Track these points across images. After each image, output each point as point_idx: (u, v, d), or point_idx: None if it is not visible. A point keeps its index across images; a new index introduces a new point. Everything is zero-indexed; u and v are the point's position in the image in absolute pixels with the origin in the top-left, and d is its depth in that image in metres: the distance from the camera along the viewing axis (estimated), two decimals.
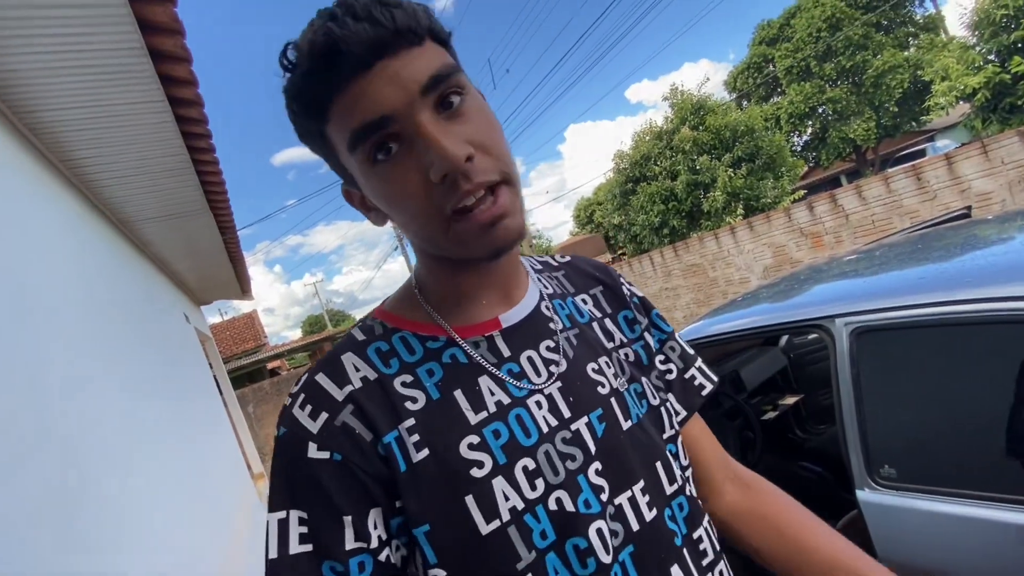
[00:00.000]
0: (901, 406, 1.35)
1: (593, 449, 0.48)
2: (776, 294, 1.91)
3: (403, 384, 0.46)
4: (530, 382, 0.48)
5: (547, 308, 0.54)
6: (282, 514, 0.43)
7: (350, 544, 0.42)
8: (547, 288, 0.57)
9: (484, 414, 0.46)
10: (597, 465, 0.48)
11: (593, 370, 0.52)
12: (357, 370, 0.47)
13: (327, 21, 0.39)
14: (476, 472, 0.43)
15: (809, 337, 3.00)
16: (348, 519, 0.42)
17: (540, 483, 0.45)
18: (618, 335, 0.58)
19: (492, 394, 0.47)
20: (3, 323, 1.24)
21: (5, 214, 1.51)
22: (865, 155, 16.02)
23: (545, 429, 0.47)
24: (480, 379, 0.47)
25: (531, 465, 0.45)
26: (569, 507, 0.45)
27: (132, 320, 2.65)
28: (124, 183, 2.51)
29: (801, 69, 14.74)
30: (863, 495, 1.36)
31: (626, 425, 0.50)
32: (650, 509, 0.49)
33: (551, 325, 0.53)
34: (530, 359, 0.49)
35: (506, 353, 0.49)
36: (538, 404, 0.47)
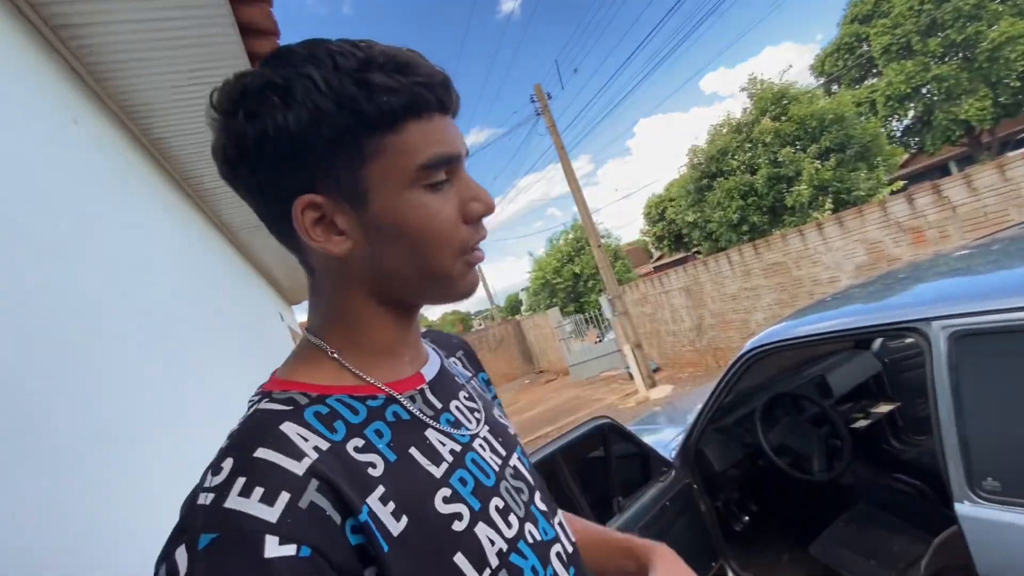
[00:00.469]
0: (1008, 415, 1.25)
1: (532, 481, 0.54)
2: (868, 294, 1.82)
3: (356, 449, 0.42)
4: (466, 429, 0.50)
5: (446, 364, 0.58)
6: None
7: None
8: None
9: (445, 465, 0.45)
10: (537, 494, 0.53)
11: (498, 415, 0.59)
12: (305, 440, 0.40)
13: (424, 59, 0.44)
14: (457, 525, 0.42)
15: (906, 341, 2.79)
16: None
17: (513, 519, 0.47)
18: (485, 393, 0.63)
19: (443, 444, 0.47)
20: (157, 319, 1.49)
21: (150, 227, 1.79)
22: (979, 138, 14.30)
23: (496, 468, 0.50)
24: (427, 432, 0.47)
25: (500, 503, 0.47)
26: (538, 536, 0.48)
27: (245, 319, 2.99)
28: (231, 200, 2.84)
29: (901, 47, 13.41)
30: (963, 509, 1.29)
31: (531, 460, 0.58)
32: (564, 531, 0.54)
33: (458, 379, 0.57)
34: (458, 408, 0.52)
35: (438, 405, 0.50)
36: (481, 447, 0.50)
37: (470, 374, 0.63)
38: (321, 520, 0.36)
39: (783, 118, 8.61)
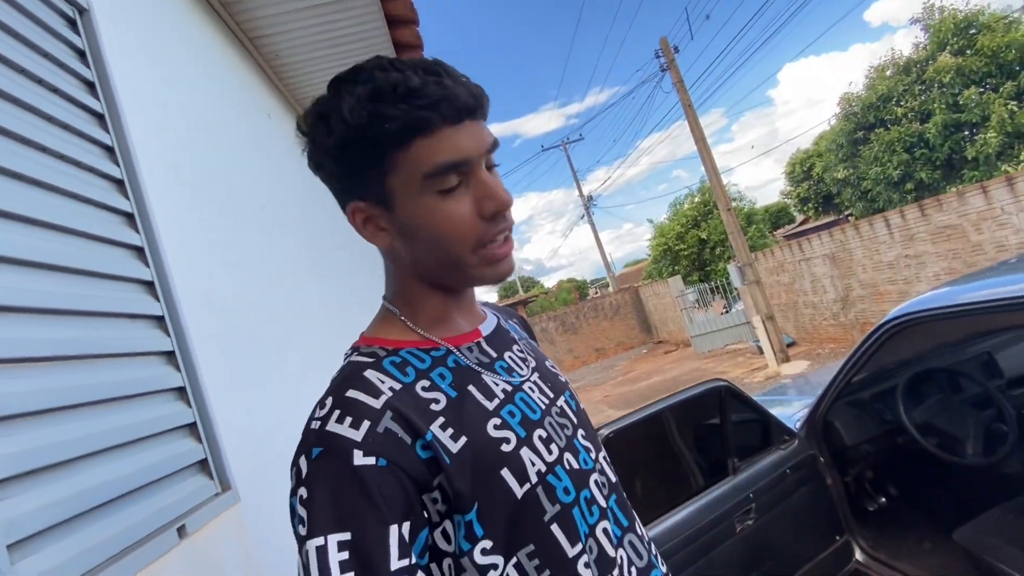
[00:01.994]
0: None
1: (576, 420, 0.63)
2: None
3: (423, 389, 0.53)
4: (518, 374, 0.61)
5: (504, 324, 0.69)
6: (319, 541, 0.43)
7: (395, 564, 0.44)
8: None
9: (497, 401, 0.56)
10: (581, 432, 0.63)
11: (549, 365, 0.68)
12: (383, 382, 0.52)
13: (435, 76, 0.51)
14: (505, 447, 0.53)
15: None
16: (394, 530, 0.45)
17: (554, 448, 0.57)
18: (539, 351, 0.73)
19: (497, 385, 0.57)
20: (282, 239, 1.85)
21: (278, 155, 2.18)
22: None
23: (543, 406, 0.59)
24: (483, 375, 0.57)
25: (544, 434, 0.56)
26: (576, 465, 0.58)
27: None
28: None
29: None
30: None
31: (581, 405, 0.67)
32: (607, 464, 0.66)
33: (512, 335, 0.68)
34: (511, 358, 0.63)
35: (493, 355, 0.61)
36: (531, 389, 0.60)
37: (525, 335, 0.75)
38: (395, 440, 0.48)
39: (968, 52, 7.05)
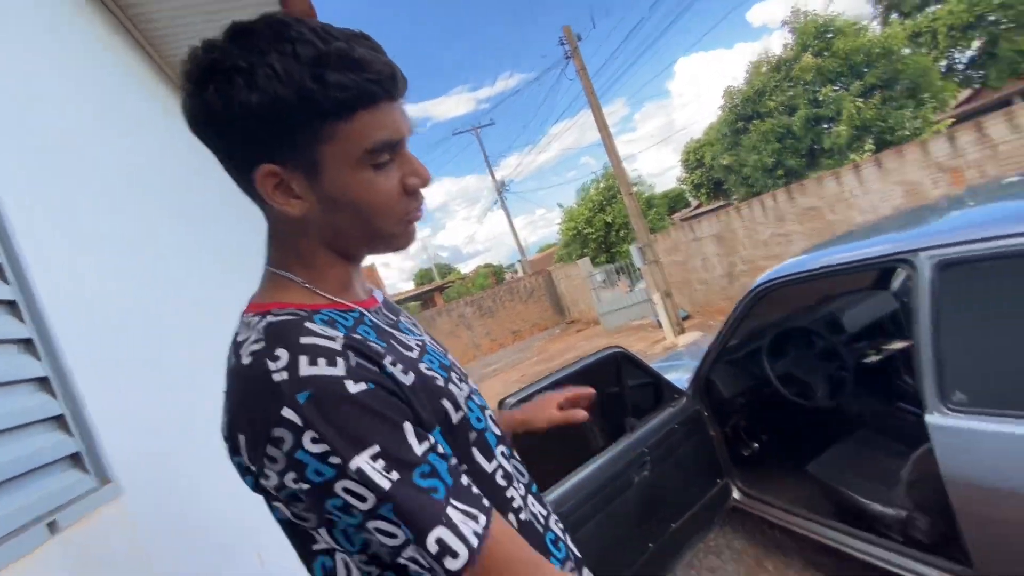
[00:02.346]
0: (977, 336, 1.38)
1: (463, 370, 0.70)
2: (869, 231, 1.91)
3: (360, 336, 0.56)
4: (417, 334, 0.68)
5: (387, 296, 0.74)
6: (354, 465, 0.46)
7: (419, 449, 0.49)
8: None
9: (415, 351, 0.61)
10: (469, 378, 0.70)
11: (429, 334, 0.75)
12: (326, 331, 0.52)
13: (375, 51, 0.52)
14: (438, 383, 0.59)
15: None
16: (407, 426, 0.50)
17: (464, 385, 0.64)
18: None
19: (408, 339, 0.63)
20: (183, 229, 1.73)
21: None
22: None
23: (445, 358, 0.67)
24: (395, 332, 0.62)
25: (456, 376, 0.64)
26: (478, 401, 0.66)
27: None
28: None
29: None
30: (933, 419, 1.44)
31: None
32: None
33: (395, 306, 0.73)
34: (407, 320, 0.70)
35: (393, 318, 0.66)
36: (432, 344, 0.68)
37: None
38: (369, 370, 0.51)
39: (826, 53, 8.07)
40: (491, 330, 16.49)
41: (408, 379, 0.54)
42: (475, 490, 0.52)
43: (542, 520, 0.67)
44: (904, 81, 8.03)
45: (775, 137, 8.83)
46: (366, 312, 0.60)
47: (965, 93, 15.10)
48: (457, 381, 0.63)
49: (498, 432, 0.67)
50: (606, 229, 16.17)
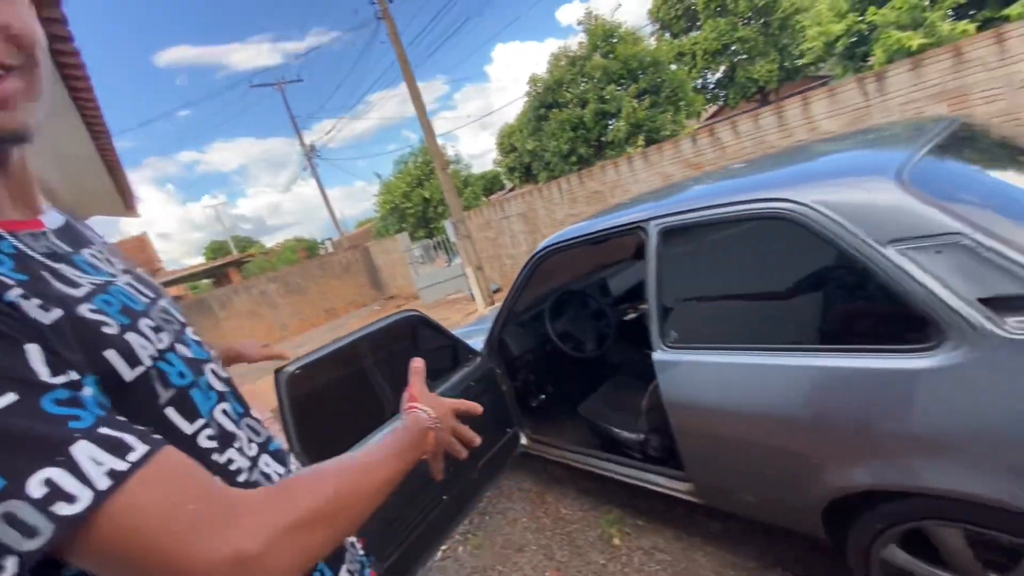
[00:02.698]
0: (684, 286, 1.76)
1: (182, 320, 0.64)
2: (617, 207, 2.25)
3: None
4: (106, 272, 0.56)
5: (79, 225, 0.62)
6: None
7: (49, 378, 0.40)
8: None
9: (84, 290, 0.50)
10: (188, 329, 0.64)
11: (144, 274, 0.65)
12: None
13: None
14: (107, 330, 0.48)
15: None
16: (31, 348, 0.40)
17: (165, 336, 0.56)
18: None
19: (79, 276, 0.51)
20: None
21: None
22: (768, 97, 17.02)
23: (146, 301, 0.58)
24: (58, 265, 0.50)
25: (151, 323, 0.55)
26: (190, 354, 0.59)
27: None
28: None
29: (719, 4, 15.01)
30: (656, 355, 1.79)
31: None
32: (219, 362, 0.67)
33: (89, 238, 0.61)
34: (92, 256, 0.57)
35: (68, 249, 0.54)
36: (128, 285, 0.57)
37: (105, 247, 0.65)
38: None
39: (611, 56, 9.30)
40: (300, 309, 15.23)
41: (49, 317, 0.43)
42: (139, 428, 0.43)
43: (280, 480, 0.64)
44: (667, 90, 9.74)
45: (570, 126, 9.86)
46: (8, 235, 0.48)
47: (715, 108, 18.82)
48: (149, 331, 0.53)
49: (221, 388, 0.62)
50: (424, 204, 16.14)
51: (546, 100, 10.46)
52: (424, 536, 2.07)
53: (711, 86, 17.60)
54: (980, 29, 6.84)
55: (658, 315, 1.79)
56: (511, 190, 25.07)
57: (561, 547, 2.35)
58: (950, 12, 6.47)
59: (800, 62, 14.19)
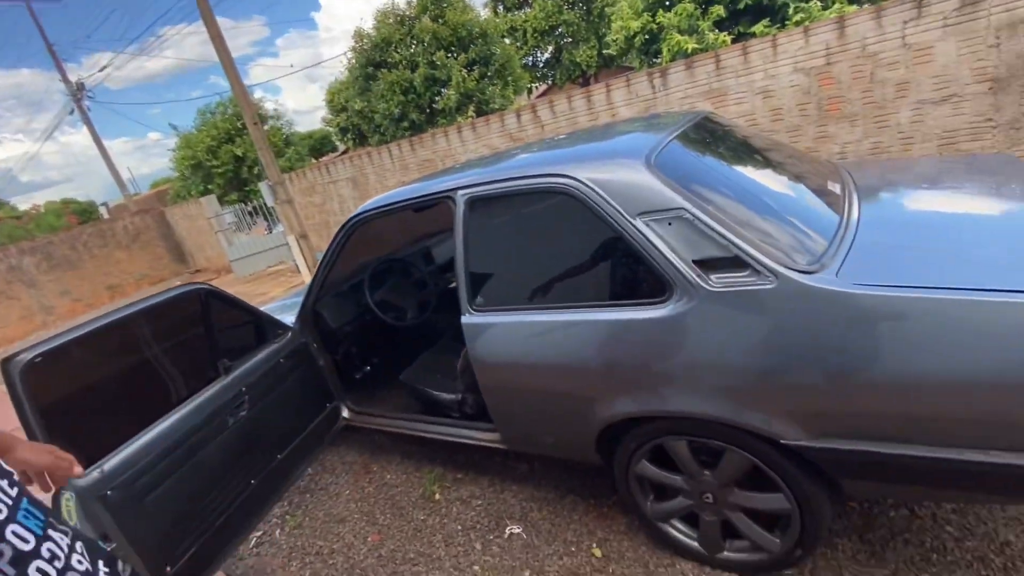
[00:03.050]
0: (488, 253, 1.87)
1: None
2: (431, 176, 2.28)
3: None
4: None
5: None
6: None
7: None
8: None
9: None
10: None
11: None
12: None
13: None
14: None
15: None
16: None
17: None
18: None
19: None
20: None
21: None
22: (589, 81, 18.43)
23: None
24: None
25: None
26: None
27: None
28: None
29: None
30: (464, 319, 1.88)
31: None
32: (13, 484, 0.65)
33: None
34: None
35: None
36: None
37: None
38: None
39: (440, 20, 9.13)
40: (73, 287, 12.40)
41: None
42: None
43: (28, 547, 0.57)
44: (496, 63, 9.96)
45: (400, 89, 9.51)
46: None
47: (545, 87, 19.71)
48: None
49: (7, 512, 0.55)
50: (236, 163, 14.18)
51: (374, 58, 9.86)
52: (229, 525, 1.93)
53: (541, 65, 18.38)
54: (735, 41, 8.37)
55: (465, 281, 1.88)
56: (344, 152, 23.31)
57: (384, 512, 2.39)
58: (714, 24, 7.79)
59: (606, 52, 15.61)
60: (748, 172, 1.79)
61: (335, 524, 2.40)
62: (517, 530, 2.07)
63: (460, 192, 1.89)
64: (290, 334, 2.47)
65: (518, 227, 1.84)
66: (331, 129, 19.18)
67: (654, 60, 9.37)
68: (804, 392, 1.27)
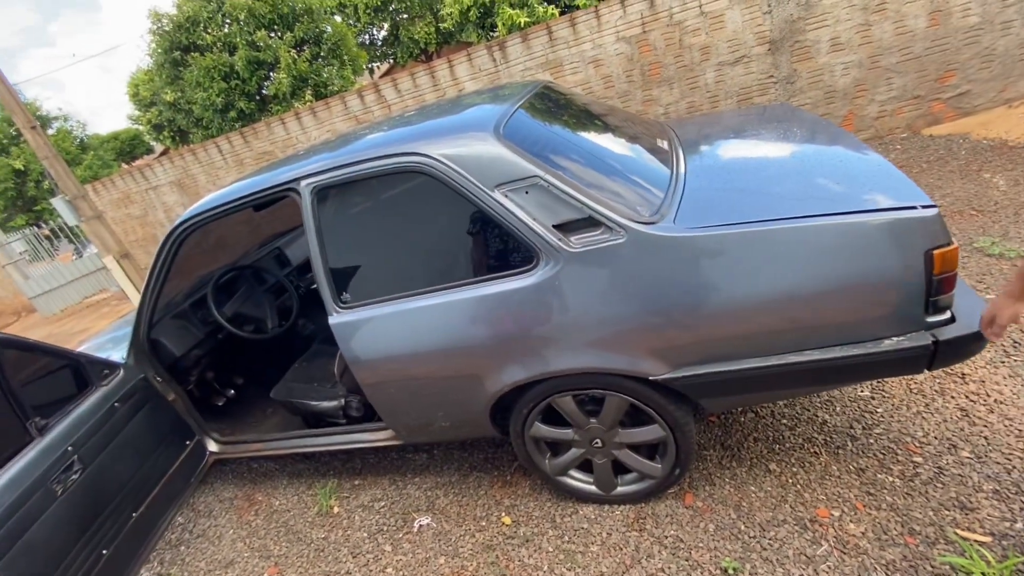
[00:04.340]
0: (347, 244, 1.75)
1: None
2: (267, 169, 2.05)
3: None
4: None
5: None
6: None
7: None
8: None
9: None
10: None
11: None
12: None
13: None
14: None
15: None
16: None
17: None
18: None
19: None
20: None
21: None
22: (432, 58, 18.00)
23: None
24: None
25: None
26: None
27: None
28: None
29: None
30: (333, 319, 1.75)
31: None
32: None
33: None
34: None
35: None
36: None
37: None
38: None
39: None
40: None
41: None
42: None
43: None
44: (328, 43, 9.20)
45: (220, 75, 8.38)
46: None
47: (387, 66, 18.83)
48: None
49: None
50: (18, 179, 11.51)
51: (179, 41, 8.50)
52: None
53: (379, 44, 17.50)
54: (562, 13, 8.76)
55: (327, 279, 1.75)
56: (164, 153, 20.04)
57: (278, 541, 2.19)
58: None
59: (442, 26, 15.36)
60: (589, 136, 1.90)
61: (222, 570, 2.14)
62: (426, 521, 2.04)
63: (304, 182, 1.73)
64: (122, 372, 2.10)
65: (374, 212, 1.74)
66: (141, 127, 16.45)
67: (491, 34, 9.45)
68: (661, 330, 1.40)
